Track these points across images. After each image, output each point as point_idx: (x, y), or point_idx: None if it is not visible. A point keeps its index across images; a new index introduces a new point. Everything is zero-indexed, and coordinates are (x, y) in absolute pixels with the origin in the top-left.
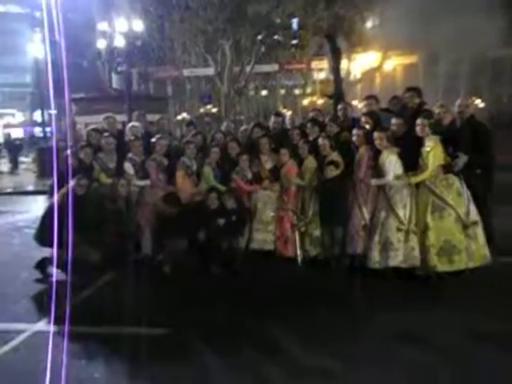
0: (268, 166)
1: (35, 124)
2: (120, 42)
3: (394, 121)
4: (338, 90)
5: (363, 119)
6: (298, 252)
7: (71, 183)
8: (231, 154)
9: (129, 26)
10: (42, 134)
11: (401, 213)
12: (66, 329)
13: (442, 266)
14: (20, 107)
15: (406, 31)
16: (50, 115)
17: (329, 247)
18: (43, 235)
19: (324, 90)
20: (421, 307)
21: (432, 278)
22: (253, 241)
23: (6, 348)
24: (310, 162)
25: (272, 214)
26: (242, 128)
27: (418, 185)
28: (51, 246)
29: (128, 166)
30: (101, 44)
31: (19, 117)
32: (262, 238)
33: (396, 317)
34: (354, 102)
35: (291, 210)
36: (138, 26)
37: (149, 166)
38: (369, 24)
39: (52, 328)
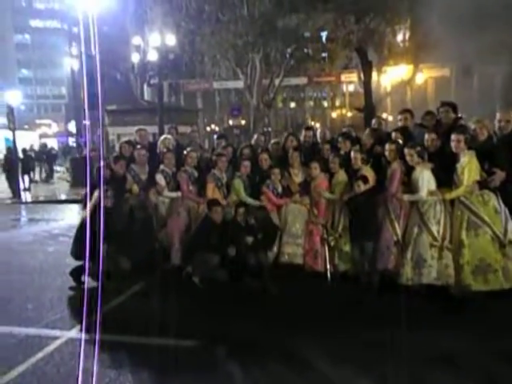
0: (298, 179)
1: (69, 134)
2: (153, 56)
3: (427, 136)
4: (368, 103)
5: (394, 135)
6: (328, 267)
7: (97, 195)
8: (263, 166)
9: (161, 40)
10: (75, 144)
11: (434, 229)
12: (98, 337)
13: (477, 285)
14: (55, 118)
15: (438, 44)
16: (84, 126)
17: (359, 262)
18: (77, 250)
19: (353, 102)
20: (454, 327)
21: (466, 298)
22: (282, 254)
23: (41, 354)
24: (341, 176)
25: (299, 226)
26: (273, 141)
27: (452, 201)
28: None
29: (160, 178)
30: (134, 58)
31: (54, 127)
32: (292, 251)
33: (428, 336)
34: (384, 116)
35: (321, 224)
36: (171, 40)
37: (180, 177)
38: (399, 37)
39: (84, 336)
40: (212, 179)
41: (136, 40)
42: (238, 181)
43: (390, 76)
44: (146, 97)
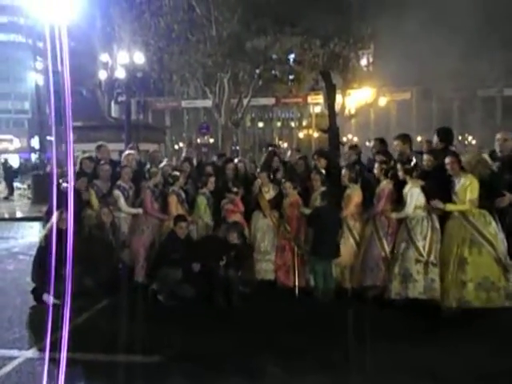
0: (268, 196)
1: (32, 150)
2: (121, 74)
3: (424, 156)
4: (332, 125)
5: (377, 158)
6: (296, 282)
7: (54, 218)
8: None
9: (130, 58)
10: (38, 161)
11: (420, 244)
12: (61, 356)
13: (478, 302)
14: (18, 133)
15: (399, 69)
16: (47, 142)
17: (315, 277)
18: (38, 275)
19: (320, 123)
20: (439, 343)
21: (456, 314)
22: (255, 271)
23: None
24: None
25: (267, 243)
26: (238, 159)
27: (446, 217)
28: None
29: (117, 194)
30: (102, 74)
31: (16, 143)
32: (263, 267)
33: (410, 351)
34: (349, 137)
35: (293, 240)
36: (139, 58)
37: (144, 194)
38: (363, 61)
39: (45, 355)
40: (173, 195)
41: (104, 57)
42: (201, 198)
43: (355, 98)
44: (114, 114)
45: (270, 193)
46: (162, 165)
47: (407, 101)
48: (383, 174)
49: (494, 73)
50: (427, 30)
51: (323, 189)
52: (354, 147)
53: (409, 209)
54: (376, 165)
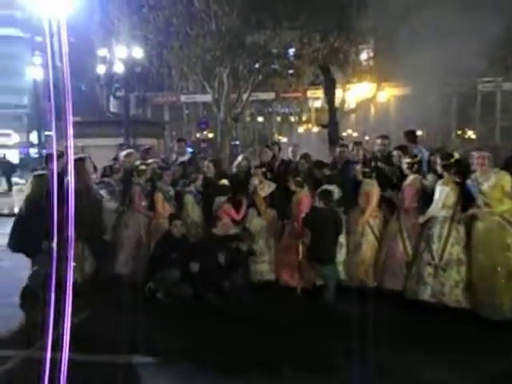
0: (263, 194)
1: (31, 145)
2: (119, 68)
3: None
4: (331, 120)
5: (395, 152)
6: (298, 282)
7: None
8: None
9: (128, 52)
10: (37, 156)
11: (434, 247)
12: (61, 356)
13: None
14: (16, 128)
15: (398, 64)
16: (46, 137)
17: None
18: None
19: (319, 118)
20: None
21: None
22: (252, 273)
23: None
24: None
25: (261, 243)
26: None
27: (475, 219)
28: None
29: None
30: (100, 69)
31: (15, 137)
32: (259, 269)
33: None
34: (349, 131)
35: (301, 240)
36: (138, 52)
37: (134, 190)
38: (363, 55)
39: (44, 355)
40: (159, 192)
41: (102, 51)
42: (187, 196)
43: (354, 93)
44: (113, 109)
45: (264, 190)
46: (150, 161)
47: (407, 96)
48: (411, 169)
49: (493, 68)
50: (427, 25)
51: (323, 187)
52: (358, 143)
53: (436, 206)
54: (404, 159)
